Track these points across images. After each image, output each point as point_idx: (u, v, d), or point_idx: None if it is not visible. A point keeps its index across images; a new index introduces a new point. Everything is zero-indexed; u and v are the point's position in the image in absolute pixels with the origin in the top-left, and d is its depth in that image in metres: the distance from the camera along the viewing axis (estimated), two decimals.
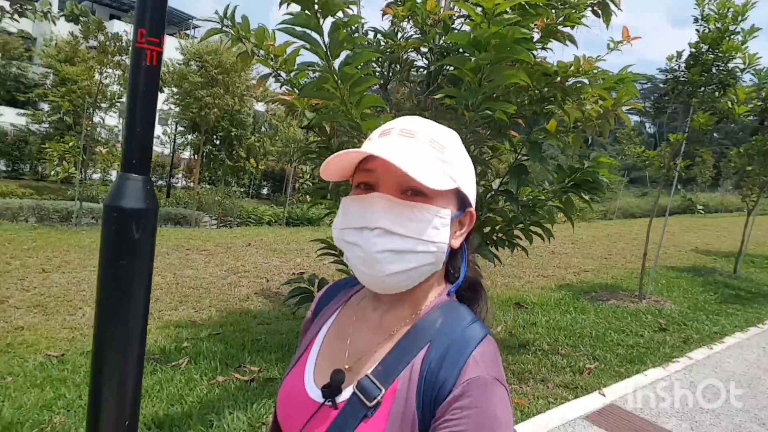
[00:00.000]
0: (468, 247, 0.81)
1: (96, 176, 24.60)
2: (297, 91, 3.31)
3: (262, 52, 3.30)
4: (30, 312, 4.82)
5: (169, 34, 40.51)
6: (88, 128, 13.42)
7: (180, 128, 20.22)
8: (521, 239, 3.77)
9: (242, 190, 21.69)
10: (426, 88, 3.94)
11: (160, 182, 21.67)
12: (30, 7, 12.08)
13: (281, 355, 4.08)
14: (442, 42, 3.59)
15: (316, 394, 0.74)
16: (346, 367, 0.74)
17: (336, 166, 0.71)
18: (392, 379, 0.69)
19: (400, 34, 3.93)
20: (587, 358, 4.47)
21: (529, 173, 3.43)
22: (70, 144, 13.77)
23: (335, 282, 0.96)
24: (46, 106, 20.01)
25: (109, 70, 12.84)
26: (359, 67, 2.42)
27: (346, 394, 0.71)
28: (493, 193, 3.59)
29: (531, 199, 3.61)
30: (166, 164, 21.98)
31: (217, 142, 18.62)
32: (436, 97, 3.27)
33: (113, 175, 22.92)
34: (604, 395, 3.78)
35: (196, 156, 22.65)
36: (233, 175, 20.33)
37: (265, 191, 26.79)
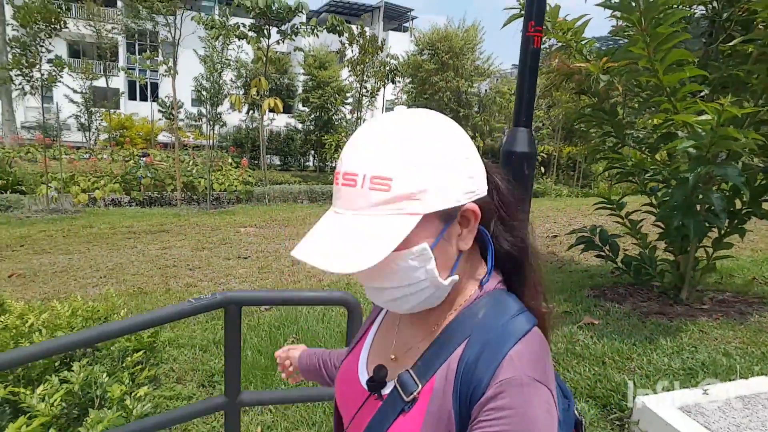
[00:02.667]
0: (496, 227, 0.75)
1: None
2: (586, 59, 3.77)
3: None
4: None
5: (392, 29, 44.20)
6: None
7: None
8: None
9: None
10: (709, 38, 3.97)
11: None
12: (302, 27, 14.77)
13: (567, 296, 4.62)
14: None
15: (366, 382, 0.77)
16: (392, 357, 0.77)
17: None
18: (429, 375, 0.69)
19: None
20: None
21: None
22: (342, 135, 16.45)
23: None
24: (306, 108, 24.05)
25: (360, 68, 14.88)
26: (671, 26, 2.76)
27: (390, 386, 0.73)
28: None
29: None
30: None
31: None
32: (730, 44, 3.36)
33: None
34: None
35: None
36: None
37: None
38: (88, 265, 6.80)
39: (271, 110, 16.88)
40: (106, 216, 11.34)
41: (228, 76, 24.45)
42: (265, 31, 15.55)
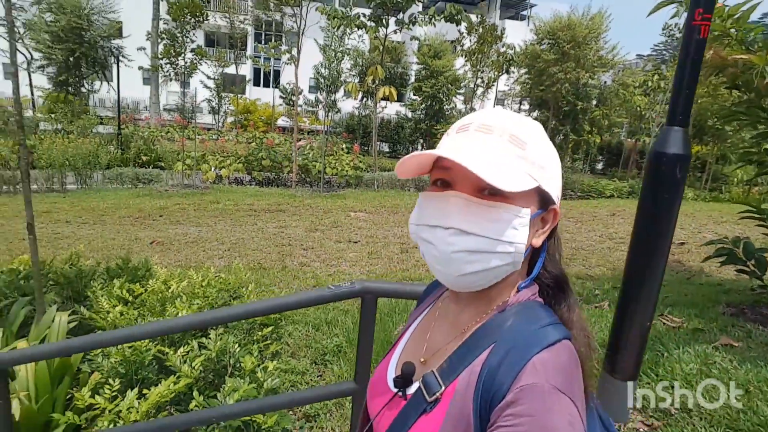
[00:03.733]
0: (552, 245, 0.78)
1: None
2: (748, 50, 3.31)
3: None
4: None
5: (509, 18, 42.68)
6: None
7: (524, 106, 21.45)
8: None
9: (579, 164, 21.62)
10: None
11: None
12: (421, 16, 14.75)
13: (698, 311, 4.18)
14: None
15: (393, 383, 0.78)
16: (422, 360, 0.76)
17: (412, 165, 0.71)
18: (453, 377, 0.69)
19: None
20: None
21: None
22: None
23: None
24: (417, 97, 24.13)
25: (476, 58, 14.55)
26: None
27: (415, 386, 0.73)
28: None
29: None
30: None
31: (561, 117, 19.01)
32: None
33: None
34: None
35: None
36: (574, 150, 20.45)
37: (599, 166, 25.96)
38: (214, 237, 7.44)
39: (385, 98, 17.16)
40: (230, 193, 12.31)
41: (346, 64, 25.30)
42: (383, 21, 15.77)
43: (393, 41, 18.42)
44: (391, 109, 26.21)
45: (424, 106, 23.88)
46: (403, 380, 0.74)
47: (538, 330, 0.67)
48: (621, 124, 18.43)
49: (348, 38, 14.13)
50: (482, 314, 0.73)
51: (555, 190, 0.73)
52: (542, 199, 0.71)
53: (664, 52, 37.81)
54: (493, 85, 16.65)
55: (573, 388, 0.63)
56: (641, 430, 2.45)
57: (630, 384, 2.49)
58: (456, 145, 0.69)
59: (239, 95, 27.10)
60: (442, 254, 0.68)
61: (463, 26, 14.28)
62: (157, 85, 24.95)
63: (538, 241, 0.73)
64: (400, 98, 24.58)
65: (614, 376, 2.42)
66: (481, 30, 12.69)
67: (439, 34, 23.19)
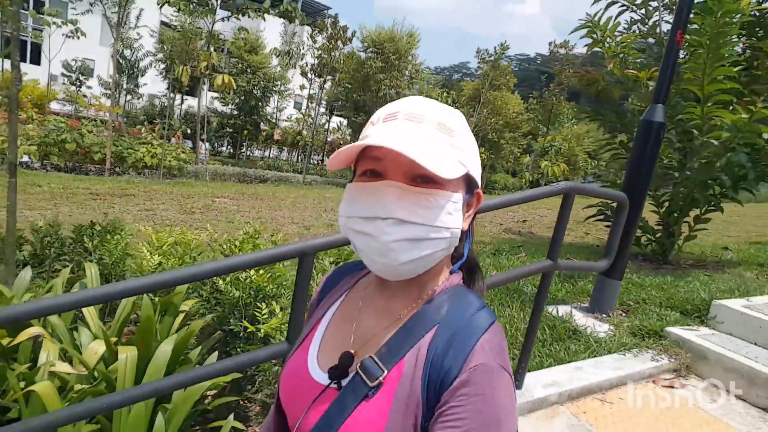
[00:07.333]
0: (472, 228, 0.81)
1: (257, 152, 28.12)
2: (635, 69, 4.83)
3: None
4: None
5: (304, 25, 44.02)
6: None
7: (339, 111, 22.91)
8: None
9: None
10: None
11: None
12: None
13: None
14: None
15: (320, 376, 0.75)
16: (352, 351, 0.74)
17: (343, 156, 0.70)
18: (396, 360, 0.69)
19: None
20: None
21: None
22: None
23: (342, 265, 0.95)
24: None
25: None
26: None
27: (350, 377, 0.71)
28: None
29: None
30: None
31: None
32: None
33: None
34: None
35: (338, 137, 25.46)
36: None
37: None
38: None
39: (212, 89, 16.30)
40: (44, 177, 10.40)
41: (148, 47, 22.96)
42: (210, 4, 15.13)
43: (220, 32, 17.70)
44: (195, 102, 24.78)
45: (238, 101, 23.32)
46: (341, 371, 0.71)
47: (475, 313, 0.71)
48: None
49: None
50: (416, 300, 0.75)
51: (478, 175, 0.75)
52: (468, 183, 0.74)
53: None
54: (310, 86, 17.48)
55: (509, 365, 0.68)
56: (620, 314, 3.58)
57: (618, 282, 3.59)
58: (387, 134, 0.68)
59: None
60: (381, 245, 0.67)
61: (295, 24, 14.70)
62: None
63: (465, 225, 0.74)
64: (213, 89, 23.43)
65: (612, 277, 3.48)
66: (332, 31, 13.36)
67: (256, 29, 23.00)
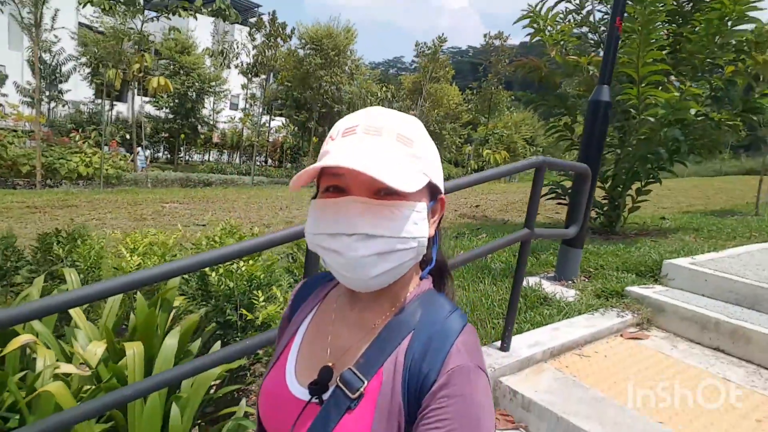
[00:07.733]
0: (439, 233, 0.81)
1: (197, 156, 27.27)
2: (575, 54, 5.18)
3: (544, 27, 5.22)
4: None
5: (238, 23, 42.93)
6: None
7: (278, 110, 22.59)
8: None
9: None
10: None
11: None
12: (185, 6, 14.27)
13: None
14: None
15: (300, 392, 0.75)
16: (330, 364, 0.74)
17: (303, 178, 0.70)
18: (375, 370, 0.70)
19: None
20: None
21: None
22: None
23: (311, 277, 0.95)
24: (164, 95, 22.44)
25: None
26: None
27: (330, 390, 0.71)
28: None
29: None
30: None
31: (319, 118, 20.80)
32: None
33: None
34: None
35: (281, 137, 25.13)
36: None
37: None
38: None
39: (147, 93, 15.67)
40: None
41: (69, 50, 21.62)
42: (137, 3, 14.53)
43: (148, 32, 16.99)
44: (124, 107, 23.73)
45: (172, 104, 22.49)
46: (321, 386, 0.71)
47: (448, 317, 0.73)
48: None
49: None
50: (389, 309, 0.75)
51: (440, 181, 0.76)
52: (431, 190, 0.75)
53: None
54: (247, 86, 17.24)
55: (484, 364, 0.70)
56: (584, 279, 3.88)
57: (580, 251, 3.88)
58: (347, 150, 0.68)
59: None
60: (349, 261, 0.67)
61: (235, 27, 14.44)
62: None
63: (432, 231, 0.75)
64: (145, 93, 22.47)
65: (574, 246, 3.76)
66: (270, 28, 13.17)
67: (187, 28, 22.26)
